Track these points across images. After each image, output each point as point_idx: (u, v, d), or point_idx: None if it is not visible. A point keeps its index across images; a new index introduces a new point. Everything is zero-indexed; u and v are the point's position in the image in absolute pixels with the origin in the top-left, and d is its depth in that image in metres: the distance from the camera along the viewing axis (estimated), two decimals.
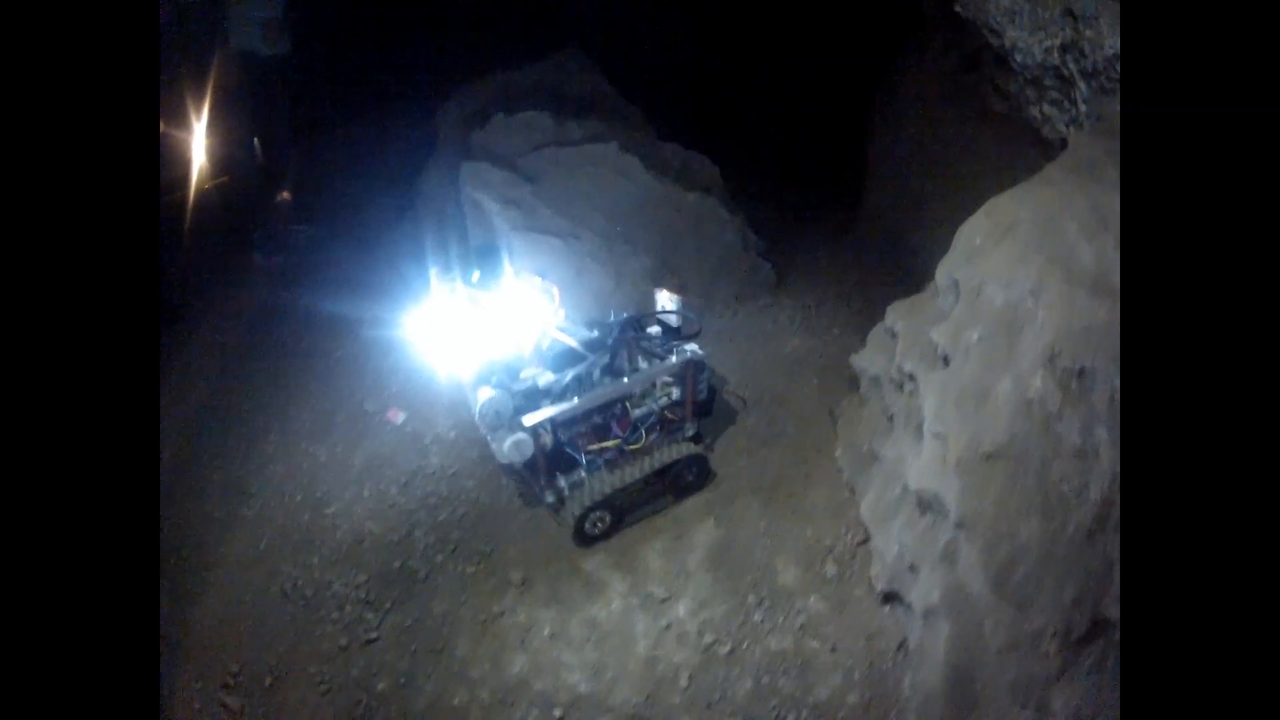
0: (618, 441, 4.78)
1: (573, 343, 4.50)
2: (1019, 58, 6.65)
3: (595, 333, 4.56)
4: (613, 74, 9.11)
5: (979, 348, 4.23)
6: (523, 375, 4.40)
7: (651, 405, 4.81)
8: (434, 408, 6.47)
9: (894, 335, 5.29)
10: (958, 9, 7.53)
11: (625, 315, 4.79)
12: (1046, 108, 6.62)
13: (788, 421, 6.27)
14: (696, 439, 5.31)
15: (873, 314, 7.46)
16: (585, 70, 8.73)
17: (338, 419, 6.54)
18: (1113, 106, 5.37)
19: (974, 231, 4.84)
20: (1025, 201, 4.59)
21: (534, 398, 4.39)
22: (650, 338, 4.87)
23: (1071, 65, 5.96)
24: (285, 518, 5.63)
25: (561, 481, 4.78)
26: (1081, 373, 3.59)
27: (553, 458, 4.64)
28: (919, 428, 4.61)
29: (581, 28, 10.13)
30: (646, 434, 4.86)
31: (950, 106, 8.21)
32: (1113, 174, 4.33)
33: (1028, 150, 7.22)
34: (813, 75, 10.74)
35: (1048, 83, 6.50)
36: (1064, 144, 6.43)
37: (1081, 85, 5.92)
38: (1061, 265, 3.96)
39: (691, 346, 4.88)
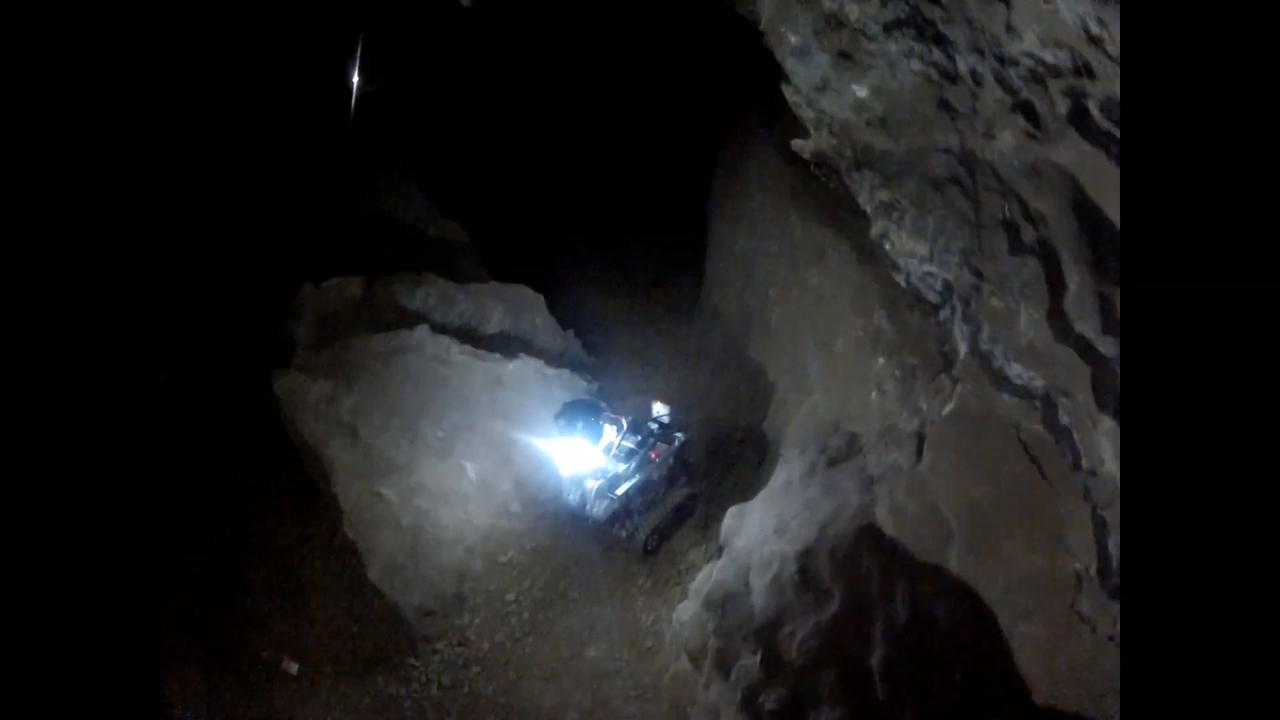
0: (656, 495, 7.04)
1: (631, 445, 6.89)
2: (901, 262, 5.66)
3: (639, 437, 6.96)
4: (442, 201, 8.31)
5: None
6: (609, 470, 6.71)
7: (663, 470, 7.08)
8: (319, 650, 6.37)
9: (709, 633, 5.32)
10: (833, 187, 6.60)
11: (655, 420, 7.13)
12: (924, 268, 5.46)
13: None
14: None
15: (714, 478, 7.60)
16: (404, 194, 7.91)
17: (243, 665, 6.37)
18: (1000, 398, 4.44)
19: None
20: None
21: (616, 480, 6.67)
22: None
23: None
24: None
25: (630, 523, 6.84)
26: None
27: (625, 510, 6.77)
28: None
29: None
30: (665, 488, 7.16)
31: (800, 205, 7.69)
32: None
33: (893, 279, 6.78)
34: (647, 154, 9.90)
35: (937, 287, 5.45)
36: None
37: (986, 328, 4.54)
38: None
39: (680, 433, 7.18)
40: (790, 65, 5.48)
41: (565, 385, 7.44)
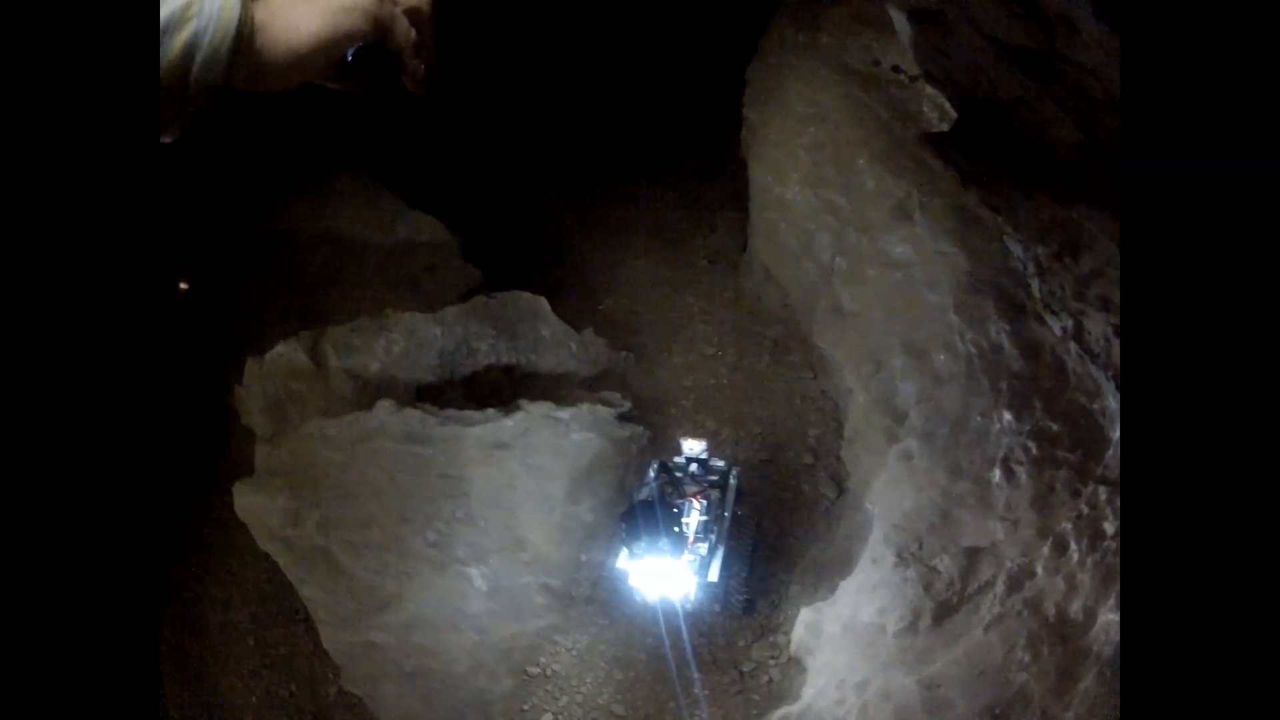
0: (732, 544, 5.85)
1: (706, 517, 5.49)
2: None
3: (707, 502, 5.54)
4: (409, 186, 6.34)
5: None
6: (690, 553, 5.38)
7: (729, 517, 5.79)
8: None
9: None
10: None
11: (692, 460, 5.60)
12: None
13: None
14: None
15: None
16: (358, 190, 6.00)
17: None
18: None
19: None
20: None
21: (704, 567, 5.35)
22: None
23: None
24: None
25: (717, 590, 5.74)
26: None
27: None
28: None
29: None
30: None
31: (870, 142, 5.30)
32: None
33: (1017, 270, 4.47)
34: (657, 65, 7.20)
35: None
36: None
37: None
38: None
39: (725, 464, 5.70)
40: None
41: (584, 424, 5.81)
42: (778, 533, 5.81)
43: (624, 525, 5.16)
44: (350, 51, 1.41)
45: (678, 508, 5.34)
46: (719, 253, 7.11)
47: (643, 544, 5.06)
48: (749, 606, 5.67)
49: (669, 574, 5.13)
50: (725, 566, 5.49)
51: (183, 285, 6.74)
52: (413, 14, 1.45)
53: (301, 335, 5.63)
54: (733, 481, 5.62)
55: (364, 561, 5.12)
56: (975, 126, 4.68)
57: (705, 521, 5.46)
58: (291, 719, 5.21)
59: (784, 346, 6.40)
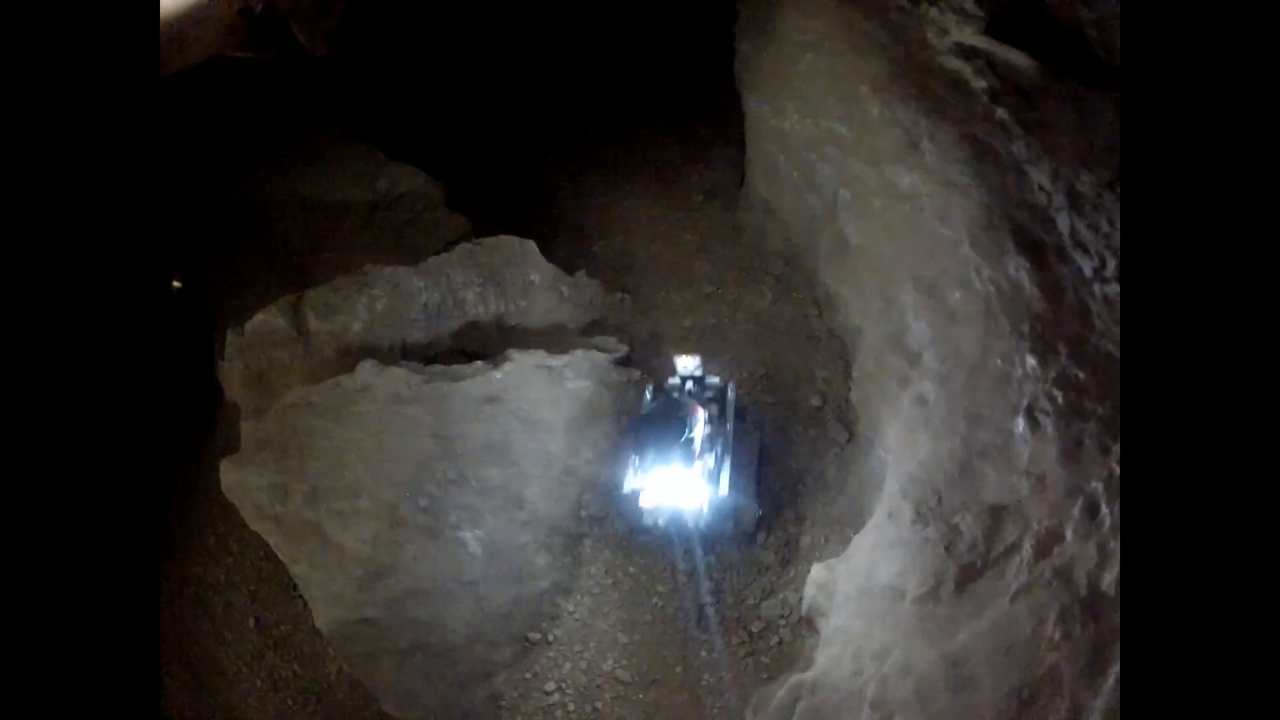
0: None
1: (708, 429, 5.24)
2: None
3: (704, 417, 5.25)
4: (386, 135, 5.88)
5: None
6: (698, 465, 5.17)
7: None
8: None
9: None
10: None
11: (688, 377, 5.42)
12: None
13: None
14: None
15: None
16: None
17: None
18: None
19: None
20: None
21: (714, 479, 5.22)
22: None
23: None
24: None
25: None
26: None
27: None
28: None
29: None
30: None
31: (872, 68, 4.75)
32: None
33: (1036, 204, 4.01)
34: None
35: None
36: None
37: None
38: None
39: (720, 380, 5.57)
40: None
41: (580, 371, 5.51)
42: (785, 481, 5.53)
43: (632, 440, 4.99)
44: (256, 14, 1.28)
45: (682, 419, 5.09)
46: (716, 188, 6.65)
47: (652, 456, 4.88)
48: (760, 521, 5.46)
49: (681, 486, 4.95)
50: (734, 480, 5.28)
51: (176, 284, 6.40)
52: None
53: (280, 301, 5.29)
54: (730, 395, 5.46)
55: (354, 533, 4.88)
56: (1007, 29, 4.14)
57: (709, 433, 5.27)
58: (295, 700, 5.06)
59: (787, 283, 6.01)
